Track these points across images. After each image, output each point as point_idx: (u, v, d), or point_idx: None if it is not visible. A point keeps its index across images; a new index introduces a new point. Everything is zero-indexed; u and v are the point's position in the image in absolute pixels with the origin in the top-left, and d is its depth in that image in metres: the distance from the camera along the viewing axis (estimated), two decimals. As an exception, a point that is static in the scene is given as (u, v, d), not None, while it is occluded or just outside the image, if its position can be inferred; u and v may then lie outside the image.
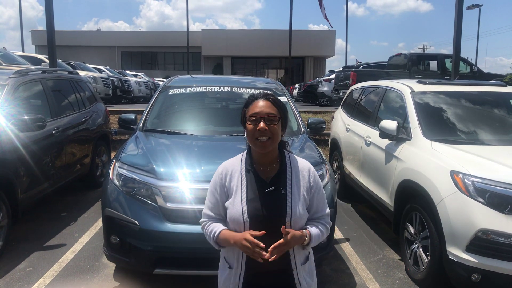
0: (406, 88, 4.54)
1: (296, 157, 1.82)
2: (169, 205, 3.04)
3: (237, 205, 1.69)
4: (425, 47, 53.07)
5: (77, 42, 41.65)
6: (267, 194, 1.70)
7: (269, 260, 1.59)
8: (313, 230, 1.73)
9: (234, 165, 1.78)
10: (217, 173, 1.80)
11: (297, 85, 25.08)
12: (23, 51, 26.84)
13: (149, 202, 3.10)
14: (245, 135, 1.76)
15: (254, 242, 1.59)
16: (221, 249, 1.81)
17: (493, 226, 2.87)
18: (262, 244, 1.58)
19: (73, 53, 35.39)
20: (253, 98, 1.76)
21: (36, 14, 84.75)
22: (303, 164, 1.80)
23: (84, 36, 44.33)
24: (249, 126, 1.70)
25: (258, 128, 1.67)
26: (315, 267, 1.88)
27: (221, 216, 1.79)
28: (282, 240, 1.60)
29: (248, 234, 1.61)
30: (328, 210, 1.82)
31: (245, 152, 1.82)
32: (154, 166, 3.22)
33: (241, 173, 1.75)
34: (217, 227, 1.74)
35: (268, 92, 1.79)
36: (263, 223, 1.66)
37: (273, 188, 1.71)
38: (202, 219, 1.84)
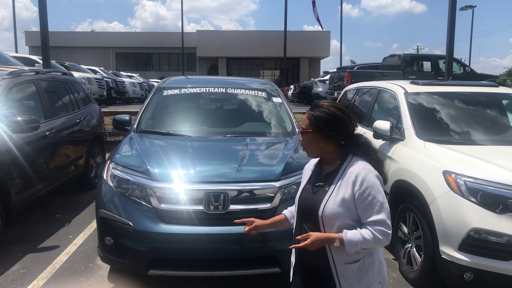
0: (400, 89, 4.57)
1: (359, 162, 1.85)
2: (163, 206, 3.04)
3: (299, 191, 2.01)
4: (419, 48, 53.43)
5: (72, 43, 41.47)
6: (315, 187, 1.91)
7: (289, 247, 1.86)
8: (349, 233, 1.75)
9: (313, 162, 2.06)
10: (305, 166, 2.13)
11: (292, 86, 25.16)
12: (16, 52, 26.68)
13: (143, 203, 3.10)
14: None
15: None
16: None
17: (485, 225, 2.90)
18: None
19: (68, 54, 35.22)
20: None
21: (30, 15, 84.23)
22: (356, 169, 1.82)
23: (79, 37, 44.15)
24: None
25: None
26: (374, 272, 1.85)
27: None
28: (300, 244, 1.76)
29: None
30: (376, 216, 1.75)
31: None
32: (148, 167, 3.22)
33: (313, 166, 2.03)
34: (285, 210, 2.18)
35: (319, 103, 1.94)
36: (304, 212, 1.91)
37: (321, 183, 1.90)
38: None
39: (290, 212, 2.14)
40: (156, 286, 3.43)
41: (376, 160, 1.90)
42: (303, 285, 1.96)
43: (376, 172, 1.83)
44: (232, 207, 3.05)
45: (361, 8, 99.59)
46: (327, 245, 1.80)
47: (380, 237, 1.74)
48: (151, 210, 3.06)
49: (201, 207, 3.02)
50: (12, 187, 4.14)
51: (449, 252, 3.04)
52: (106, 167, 3.44)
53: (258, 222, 2.11)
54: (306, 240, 1.74)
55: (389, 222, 1.77)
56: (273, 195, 3.12)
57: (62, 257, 4.02)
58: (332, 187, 1.83)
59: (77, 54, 38.06)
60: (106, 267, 3.71)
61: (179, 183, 3.09)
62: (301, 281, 1.97)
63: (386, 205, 1.78)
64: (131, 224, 3.03)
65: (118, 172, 3.30)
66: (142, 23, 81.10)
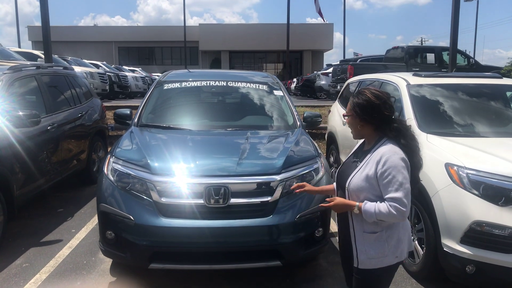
0: (402, 81, 4.53)
1: (389, 144, 2.05)
2: (163, 200, 3.04)
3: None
4: (423, 40, 52.92)
5: (74, 37, 41.46)
6: (351, 163, 2.20)
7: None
8: (368, 204, 2.01)
9: (361, 141, 2.29)
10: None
11: (295, 79, 25.05)
12: (19, 47, 26.72)
13: (144, 197, 3.09)
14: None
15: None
16: None
17: (488, 218, 2.88)
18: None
19: (70, 49, 35.18)
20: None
21: (33, 10, 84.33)
22: (382, 151, 2.05)
23: (81, 31, 44.13)
24: None
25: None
26: (391, 245, 2.06)
27: None
28: (326, 204, 2.12)
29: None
30: (396, 194, 1.95)
31: None
32: (148, 161, 3.22)
33: (358, 145, 2.31)
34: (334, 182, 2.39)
35: (361, 90, 2.15)
36: (338, 183, 2.24)
37: (356, 160, 2.18)
38: None
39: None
40: (158, 279, 3.44)
41: (405, 144, 2.04)
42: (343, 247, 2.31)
43: (402, 155, 2.01)
44: (233, 200, 3.04)
45: (365, 0, 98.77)
46: (349, 214, 2.10)
47: (395, 212, 1.95)
48: (152, 204, 3.05)
49: (201, 201, 3.02)
50: (14, 182, 4.15)
51: (451, 245, 3.02)
52: (107, 161, 3.44)
53: (308, 187, 2.41)
54: (330, 206, 2.10)
55: (405, 200, 1.96)
56: (274, 188, 3.11)
57: (65, 251, 4.04)
58: (362, 163, 2.09)
59: (80, 48, 38.06)
60: (108, 261, 3.73)
61: (179, 177, 3.09)
62: (342, 243, 2.32)
63: (407, 185, 1.97)
64: (131, 218, 3.03)
65: (119, 166, 3.29)
66: (145, 17, 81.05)
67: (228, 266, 3.15)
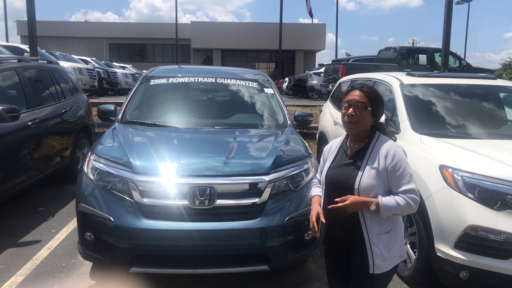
0: (395, 81, 4.43)
1: (385, 139, 2.07)
2: (145, 200, 2.89)
3: (324, 171, 2.19)
4: (415, 42, 53.11)
5: (64, 33, 40.89)
6: (346, 165, 2.07)
7: (328, 207, 2.04)
8: (385, 198, 1.95)
9: (336, 142, 2.24)
10: (325, 147, 2.30)
11: (286, 79, 24.94)
12: (7, 41, 26.20)
13: (125, 197, 2.94)
14: None
15: (312, 221, 2.14)
16: None
17: (483, 222, 2.78)
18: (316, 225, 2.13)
19: (60, 44, 34.66)
20: (351, 89, 2.10)
21: (23, 5, 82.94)
22: (386, 145, 2.02)
23: (72, 27, 43.52)
24: (342, 110, 2.07)
25: (347, 113, 2.03)
26: (397, 244, 2.05)
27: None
28: (339, 204, 1.96)
29: (315, 213, 2.14)
30: (410, 185, 1.97)
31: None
32: (130, 159, 3.06)
33: (336, 147, 2.20)
34: (314, 191, 2.30)
35: (366, 83, 2.13)
36: (336, 187, 2.05)
37: (351, 160, 2.06)
38: (313, 182, 2.42)
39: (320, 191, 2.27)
40: (139, 284, 3.28)
41: (392, 138, 2.13)
42: (336, 259, 2.17)
43: (402, 148, 2.05)
44: (219, 202, 2.90)
45: (357, 1, 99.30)
46: (361, 216, 1.99)
47: (412, 203, 1.96)
48: (133, 205, 2.90)
49: (185, 202, 2.87)
50: (-10, 179, 3.96)
51: (445, 249, 2.92)
52: (87, 159, 3.27)
53: (352, 198, 2.02)
54: (344, 202, 1.94)
55: (418, 191, 2.00)
56: (262, 189, 2.97)
57: (43, 252, 3.86)
58: (364, 162, 2.02)
59: (70, 44, 37.52)
60: (88, 263, 3.56)
61: (162, 176, 2.94)
62: (335, 256, 2.18)
63: (414, 176, 2.00)
64: (112, 219, 2.87)
65: (99, 164, 3.13)
66: (137, 14, 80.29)
67: (213, 270, 3.00)
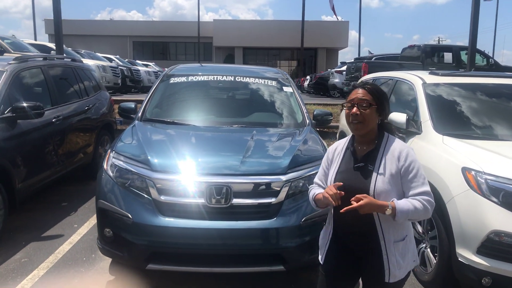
0: (418, 80, 4.32)
1: (396, 139, 1.98)
2: (163, 198, 2.91)
3: (330, 175, 2.02)
4: (440, 39, 51.87)
5: (90, 31, 41.77)
6: (356, 169, 1.94)
7: (340, 210, 1.82)
8: (401, 202, 1.82)
9: (341, 143, 2.10)
10: (328, 149, 2.16)
11: (308, 77, 24.76)
12: (35, 39, 26.94)
13: (143, 194, 2.97)
14: None
15: (332, 189, 1.86)
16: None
17: (507, 227, 2.68)
18: (337, 192, 1.85)
19: (86, 42, 35.44)
20: (353, 87, 2.01)
21: (51, 4, 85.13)
22: (397, 146, 1.94)
23: (97, 25, 44.44)
24: (346, 110, 1.97)
25: (351, 112, 1.92)
26: (411, 250, 1.97)
27: (324, 184, 2.08)
28: (354, 205, 1.77)
29: (330, 186, 1.90)
30: (424, 188, 1.87)
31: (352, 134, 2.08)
32: (148, 157, 3.09)
33: (342, 149, 2.05)
34: (316, 190, 2.06)
35: (369, 81, 2.04)
36: (348, 193, 1.85)
37: (362, 164, 1.94)
38: (311, 186, 2.18)
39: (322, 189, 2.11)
40: (156, 280, 3.32)
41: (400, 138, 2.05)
42: (343, 268, 2.02)
43: (412, 148, 1.96)
44: (235, 201, 2.90)
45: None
46: (378, 224, 1.88)
47: (429, 207, 1.86)
48: (151, 202, 2.93)
49: (202, 200, 2.88)
50: (15, 175, 4.07)
51: (467, 255, 2.83)
52: (107, 156, 3.33)
53: (369, 198, 1.84)
54: (359, 202, 1.78)
55: (432, 194, 1.89)
56: (278, 189, 2.95)
57: (65, 246, 3.95)
58: (377, 165, 1.90)
59: (95, 42, 38.29)
60: (108, 259, 3.61)
61: (179, 175, 2.95)
62: (343, 265, 2.02)
63: (427, 179, 1.90)
64: (130, 216, 2.91)
65: (119, 161, 3.17)
66: (161, 12, 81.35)
67: (229, 269, 3.00)
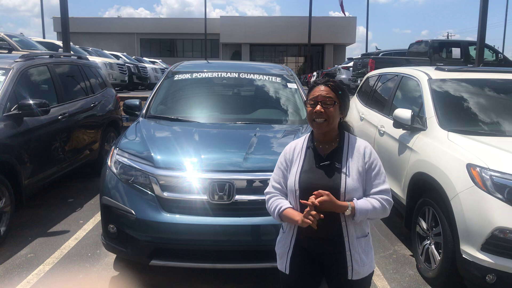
0: (423, 75, 4.28)
1: (357, 137, 1.96)
2: (166, 194, 2.92)
3: (293, 175, 1.92)
4: (449, 34, 51.28)
5: (97, 29, 41.99)
6: (322, 167, 1.88)
7: (306, 201, 1.76)
8: (360, 201, 1.81)
9: (299, 143, 2.01)
10: (284, 149, 2.04)
11: (315, 73, 24.67)
12: (44, 37, 27.16)
13: (146, 191, 2.98)
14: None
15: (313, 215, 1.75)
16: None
17: (512, 224, 2.65)
18: (319, 216, 1.75)
19: (94, 40, 35.66)
20: (315, 84, 1.94)
21: (59, 2, 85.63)
22: (361, 143, 1.93)
23: (104, 23, 44.63)
24: (308, 108, 1.91)
25: (314, 110, 1.87)
26: (372, 249, 1.97)
27: (284, 187, 1.97)
28: (318, 199, 1.74)
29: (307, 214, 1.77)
30: (384, 186, 1.87)
31: (309, 132, 2.02)
32: (152, 153, 3.10)
33: (302, 148, 1.97)
34: (283, 204, 1.92)
35: (331, 78, 1.97)
36: (310, 191, 1.80)
37: (328, 162, 1.89)
38: (267, 190, 2.03)
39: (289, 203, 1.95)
40: (160, 276, 3.35)
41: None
42: (306, 272, 1.95)
43: None
44: (238, 197, 2.90)
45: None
46: (343, 220, 1.84)
47: (387, 206, 1.86)
48: (154, 199, 2.94)
49: (205, 197, 2.89)
50: (22, 171, 4.12)
51: (471, 252, 2.80)
52: (111, 153, 3.35)
53: (330, 197, 1.78)
54: (318, 204, 1.74)
55: (391, 192, 1.89)
56: (281, 186, 2.94)
57: (71, 242, 3.99)
58: (344, 163, 1.87)
59: (103, 40, 38.50)
60: (113, 254, 3.64)
61: (182, 171, 2.96)
62: (307, 269, 1.95)
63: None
64: (133, 212, 2.93)
65: (122, 158, 3.19)
66: (168, 9, 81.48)
67: (232, 265, 3.01)
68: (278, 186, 1.99)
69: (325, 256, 1.93)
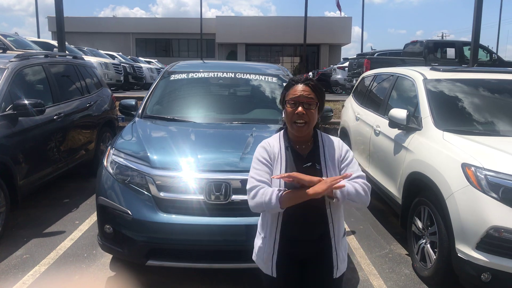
0: (418, 75, 4.30)
1: (327, 134, 1.95)
2: (162, 194, 2.92)
3: (276, 179, 1.80)
4: (444, 35, 51.47)
5: (93, 28, 41.78)
6: (305, 168, 1.81)
7: (298, 209, 1.75)
8: (346, 185, 1.74)
9: (275, 142, 1.91)
10: (260, 147, 1.91)
11: (310, 73, 24.69)
12: (38, 37, 27.00)
13: (143, 191, 2.98)
14: (283, 116, 1.89)
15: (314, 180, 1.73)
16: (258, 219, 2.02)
17: (507, 223, 2.68)
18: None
19: (89, 40, 35.47)
20: (293, 82, 1.85)
21: (53, 1, 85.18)
22: (333, 139, 1.93)
23: (100, 22, 44.41)
24: (288, 109, 1.81)
25: (296, 112, 1.78)
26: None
27: (270, 184, 1.83)
28: (316, 186, 1.69)
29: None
30: (360, 172, 1.85)
31: (282, 131, 1.95)
32: (148, 153, 3.10)
33: (280, 149, 1.88)
34: (276, 190, 1.77)
35: (309, 77, 1.92)
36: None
37: (310, 164, 1.83)
38: (253, 185, 1.83)
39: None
40: (157, 276, 3.34)
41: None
42: (292, 275, 1.93)
43: None
44: (234, 197, 2.90)
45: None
46: (330, 219, 1.84)
47: (367, 189, 1.80)
48: (150, 199, 2.94)
49: (201, 197, 2.89)
50: (17, 171, 4.10)
51: (466, 250, 2.83)
52: (107, 153, 3.34)
53: (296, 173, 1.76)
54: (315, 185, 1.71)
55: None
56: (277, 186, 2.95)
57: (66, 243, 3.98)
58: (323, 164, 1.84)
59: (98, 39, 38.30)
60: (109, 255, 3.64)
61: (179, 171, 2.96)
62: (293, 271, 1.93)
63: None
64: (129, 212, 2.93)
65: (118, 158, 3.19)
66: (164, 9, 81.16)
67: (228, 265, 3.01)
68: (266, 180, 1.82)
69: (309, 257, 1.91)
